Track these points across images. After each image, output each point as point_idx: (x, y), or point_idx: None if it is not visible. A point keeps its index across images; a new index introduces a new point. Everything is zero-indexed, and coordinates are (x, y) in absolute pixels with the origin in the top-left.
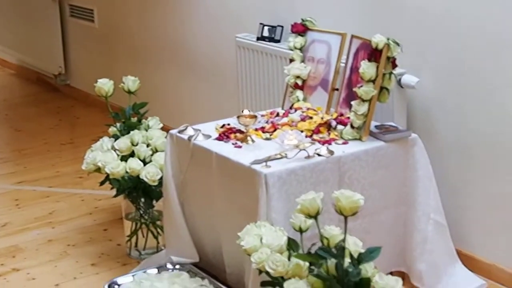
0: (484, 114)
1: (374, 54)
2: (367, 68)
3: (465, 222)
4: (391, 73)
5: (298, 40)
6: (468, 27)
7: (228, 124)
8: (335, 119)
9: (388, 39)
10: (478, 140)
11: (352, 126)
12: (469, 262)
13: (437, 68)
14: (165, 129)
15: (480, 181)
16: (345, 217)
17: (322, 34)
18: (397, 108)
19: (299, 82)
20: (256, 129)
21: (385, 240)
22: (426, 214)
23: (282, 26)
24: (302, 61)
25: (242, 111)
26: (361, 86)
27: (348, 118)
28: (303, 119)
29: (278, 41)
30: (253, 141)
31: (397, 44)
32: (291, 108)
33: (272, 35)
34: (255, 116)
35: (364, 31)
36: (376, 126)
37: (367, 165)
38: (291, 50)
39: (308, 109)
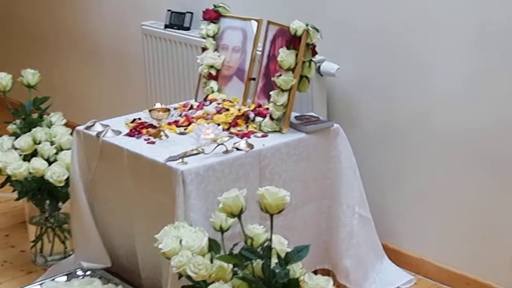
0: (406, 102)
1: (292, 41)
2: (285, 56)
3: (391, 215)
4: (311, 60)
5: (211, 28)
6: (390, 13)
7: (139, 119)
8: (253, 110)
9: (307, 25)
10: (401, 129)
11: (271, 118)
12: (396, 257)
13: (357, 55)
14: (69, 125)
15: (404, 171)
16: (271, 215)
17: (236, 21)
18: (317, 97)
19: (213, 72)
20: (169, 123)
21: (309, 236)
22: (351, 208)
23: (191, 13)
24: (216, 49)
25: (154, 104)
26: (280, 75)
27: (267, 109)
28: (219, 112)
29: (187, 28)
30: (166, 136)
31: (317, 30)
32: (205, 100)
33: (181, 23)
34: (168, 110)
35: (280, 17)
36: (296, 117)
37: (288, 158)
38: (204, 38)
39: (223, 100)
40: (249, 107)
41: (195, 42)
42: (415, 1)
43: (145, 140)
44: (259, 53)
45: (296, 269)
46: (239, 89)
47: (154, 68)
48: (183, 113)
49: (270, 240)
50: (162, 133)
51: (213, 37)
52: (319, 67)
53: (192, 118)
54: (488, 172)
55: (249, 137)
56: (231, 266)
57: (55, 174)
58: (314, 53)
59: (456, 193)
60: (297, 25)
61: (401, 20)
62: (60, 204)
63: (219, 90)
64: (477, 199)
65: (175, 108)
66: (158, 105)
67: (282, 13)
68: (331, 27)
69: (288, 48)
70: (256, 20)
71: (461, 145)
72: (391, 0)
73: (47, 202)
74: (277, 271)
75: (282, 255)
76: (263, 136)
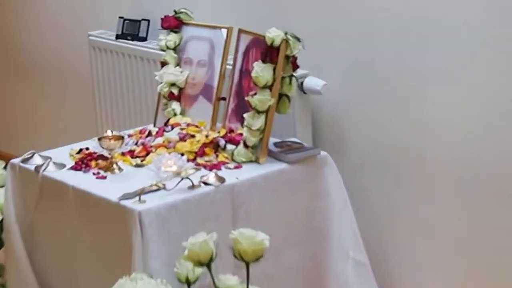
0: (404, 124)
1: (269, 52)
2: (261, 70)
3: (391, 258)
4: (291, 76)
5: (171, 38)
6: (386, 19)
7: (87, 149)
8: (223, 136)
9: (286, 33)
10: (399, 154)
11: (245, 145)
12: None
13: (347, 68)
14: (3, 157)
15: (403, 205)
16: (247, 264)
17: (201, 29)
18: (299, 119)
19: (175, 91)
20: (123, 154)
21: (293, 287)
22: (344, 252)
23: (148, 20)
24: (178, 64)
25: (105, 131)
26: (255, 94)
27: (240, 135)
28: (182, 139)
29: (143, 39)
30: (120, 169)
31: (298, 39)
32: (166, 124)
33: (135, 32)
34: (121, 137)
35: (254, 25)
36: (275, 144)
37: (267, 194)
38: (163, 50)
39: (188, 125)
40: (218, 132)
41: (152, 55)
42: (418, 5)
43: (94, 174)
44: (230, 67)
45: None
46: (207, 111)
47: (104, 87)
48: (140, 141)
49: None
50: (114, 165)
51: (174, 49)
52: (301, 83)
53: (151, 147)
54: (498, 208)
55: (219, 169)
56: None
57: None
58: (295, 66)
59: (464, 231)
60: (274, 34)
61: (393, 33)
62: None
63: (183, 113)
64: (488, 238)
65: (129, 135)
66: (109, 132)
67: (256, 19)
68: (315, 35)
69: (264, 61)
70: (226, 28)
71: (465, 178)
72: (382, 9)
73: None
74: None
75: None
76: (236, 167)
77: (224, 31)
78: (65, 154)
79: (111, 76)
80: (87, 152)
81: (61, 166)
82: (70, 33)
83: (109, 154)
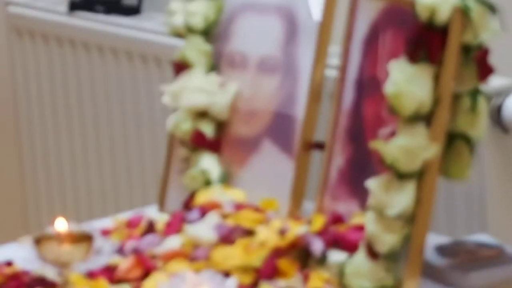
0: None
1: (424, 38)
2: (406, 80)
3: None
4: (477, 92)
5: (199, 8)
6: None
7: (9, 264)
8: (320, 233)
9: None
10: None
11: (372, 253)
12: None
13: None
14: None
15: None
16: None
17: None
18: (496, 190)
19: (208, 130)
20: (90, 275)
21: None
22: None
23: None
24: (213, 68)
25: (51, 223)
26: (393, 134)
27: (359, 229)
28: (226, 238)
29: (133, 10)
30: None
31: (491, 8)
32: (187, 206)
33: None
34: (87, 237)
35: None
36: (440, 249)
37: None
38: (178, 36)
39: (238, 207)
40: (309, 224)
41: (153, 47)
42: None
43: None
44: (332, 72)
45: None
46: (281, 175)
47: (42, 121)
48: (130, 246)
49: None
50: None
51: (206, 33)
52: (499, 108)
53: (154, 258)
54: None
55: None
56: None
57: None
58: (487, 71)
59: None
60: None
61: None
62: None
63: (227, 179)
64: None
65: (105, 232)
66: (59, 225)
67: None
68: None
69: (412, 58)
70: None
71: None
72: None
73: None
74: None
75: None
76: None
77: None
78: None
79: (60, 96)
80: (9, 271)
81: None
82: None
83: (61, 275)
